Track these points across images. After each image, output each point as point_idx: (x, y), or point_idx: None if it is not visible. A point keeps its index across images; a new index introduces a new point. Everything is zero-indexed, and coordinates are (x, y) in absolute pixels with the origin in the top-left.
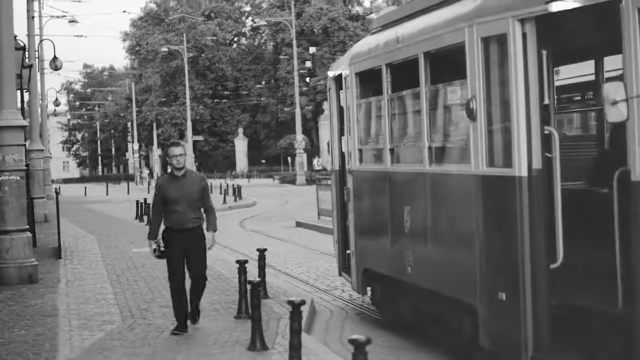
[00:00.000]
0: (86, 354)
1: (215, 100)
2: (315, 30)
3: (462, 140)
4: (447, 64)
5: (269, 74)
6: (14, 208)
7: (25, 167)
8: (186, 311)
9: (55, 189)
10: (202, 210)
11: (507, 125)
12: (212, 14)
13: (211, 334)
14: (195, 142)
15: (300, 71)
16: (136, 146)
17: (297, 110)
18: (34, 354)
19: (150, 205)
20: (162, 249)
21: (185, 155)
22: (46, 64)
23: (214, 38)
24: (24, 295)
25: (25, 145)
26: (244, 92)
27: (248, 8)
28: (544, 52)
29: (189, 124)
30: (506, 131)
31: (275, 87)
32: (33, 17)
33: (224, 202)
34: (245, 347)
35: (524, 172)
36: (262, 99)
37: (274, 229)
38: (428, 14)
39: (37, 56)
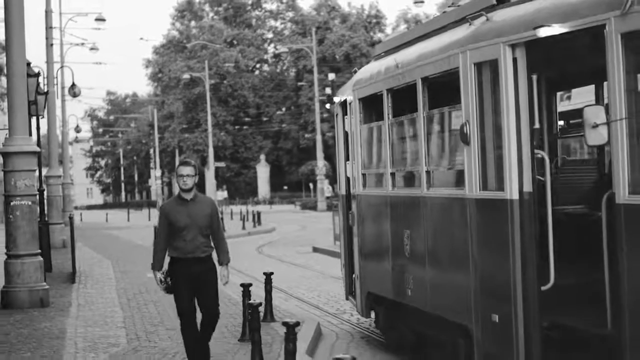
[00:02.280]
0: None
1: (237, 127)
2: (337, 57)
3: (457, 164)
4: (444, 89)
5: (291, 100)
6: (25, 233)
7: (37, 192)
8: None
9: (70, 215)
10: (212, 239)
11: (499, 149)
12: (234, 41)
13: (213, 356)
14: (217, 169)
15: (321, 98)
16: (158, 173)
17: (318, 137)
18: None
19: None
20: (169, 282)
21: (194, 177)
22: (67, 91)
23: (233, 65)
24: (34, 318)
25: (36, 170)
26: (265, 119)
27: (270, 35)
28: (534, 77)
29: (211, 150)
30: (498, 155)
31: (297, 114)
32: (52, 45)
33: (243, 227)
34: None
35: (515, 196)
36: (283, 125)
37: (291, 255)
38: (425, 40)
39: (55, 83)
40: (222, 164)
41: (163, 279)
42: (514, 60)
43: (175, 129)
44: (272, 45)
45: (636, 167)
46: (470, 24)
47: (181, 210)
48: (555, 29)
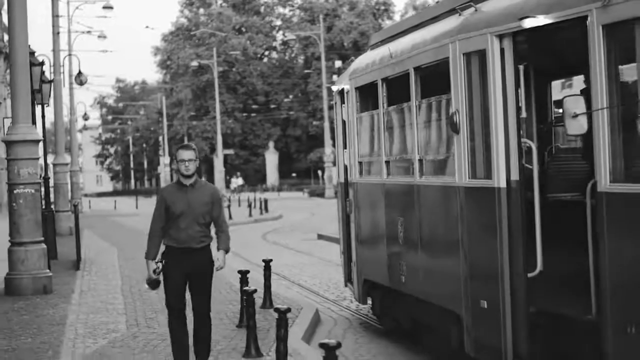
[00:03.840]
0: None
1: (245, 114)
2: (345, 44)
3: (448, 153)
4: (435, 78)
5: (299, 87)
6: (28, 220)
7: (40, 181)
8: (187, 352)
9: (75, 203)
10: (212, 228)
11: (487, 138)
12: (242, 28)
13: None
14: (226, 156)
15: (329, 85)
16: (167, 160)
17: (326, 124)
18: None
19: (152, 219)
20: (160, 272)
21: (195, 161)
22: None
23: (238, 53)
24: (37, 305)
25: (39, 158)
26: (273, 106)
27: (279, 22)
28: (521, 67)
29: (219, 137)
30: (486, 144)
31: (305, 101)
32: (58, 33)
33: (250, 215)
34: (241, 354)
35: (503, 184)
36: (291, 112)
37: (296, 242)
38: (418, 30)
39: (62, 71)
40: (230, 151)
41: (159, 270)
42: (502, 50)
43: (183, 117)
44: (281, 32)
45: (617, 156)
46: (460, 15)
47: (179, 196)
48: (540, 20)
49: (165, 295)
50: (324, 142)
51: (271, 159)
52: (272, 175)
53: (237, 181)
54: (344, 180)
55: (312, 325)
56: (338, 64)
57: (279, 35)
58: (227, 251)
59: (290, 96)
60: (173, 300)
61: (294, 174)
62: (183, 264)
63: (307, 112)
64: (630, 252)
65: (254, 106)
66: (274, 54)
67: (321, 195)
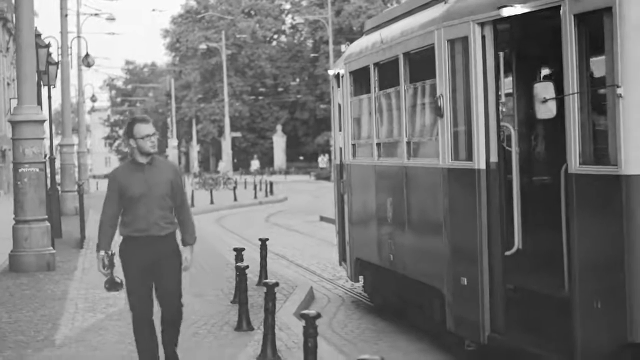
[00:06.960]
0: (84, 332)
1: (253, 97)
2: (354, 28)
3: (433, 136)
4: (422, 64)
5: (308, 71)
6: (32, 199)
7: (45, 160)
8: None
9: (79, 183)
10: (174, 212)
11: (469, 121)
12: (251, 12)
13: (204, 316)
14: (234, 139)
15: None
16: (175, 142)
17: (333, 108)
18: (35, 332)
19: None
20: (110, 267)
21: (157, 135)
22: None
23: (247, 36)
24: (40, 281)
25: (44, 138)
26: (281, 90)
27: (288, 6)
28: (501, 54)
29: (227, 120)
30: (468, 127)
31: (313, 85)
32: (66, 15)
33: (255, 197)
34: (233, 327)
35: (483, 165)
36: (299, 96)
37: (298, 223)
38: (408, 17)
39: (70, 53)
40: (238, 134)
41: (107, 263)
42: (483, 37)
43: (192, 99)
44: (290, 16)
45: (586, 139)
46: (445, 3)
47: (136, 177)
48: (518, 9)
49: (127, 297)
50: (331, 126)
51: (279, 142)
52: (279, 158)
53: (255, 163)
54: (339, 162)
55: (306, 302)
56: (343, 48)
57: (288, 19)
58: (192, 244)
59: (298, 79)
60: (138, 305)
61: (301, 157)
62: (144, 256)
63: (315, 95)
64: (597, 231)
65: (262, 89)
66: (283, 38)
67: (327, 178)
